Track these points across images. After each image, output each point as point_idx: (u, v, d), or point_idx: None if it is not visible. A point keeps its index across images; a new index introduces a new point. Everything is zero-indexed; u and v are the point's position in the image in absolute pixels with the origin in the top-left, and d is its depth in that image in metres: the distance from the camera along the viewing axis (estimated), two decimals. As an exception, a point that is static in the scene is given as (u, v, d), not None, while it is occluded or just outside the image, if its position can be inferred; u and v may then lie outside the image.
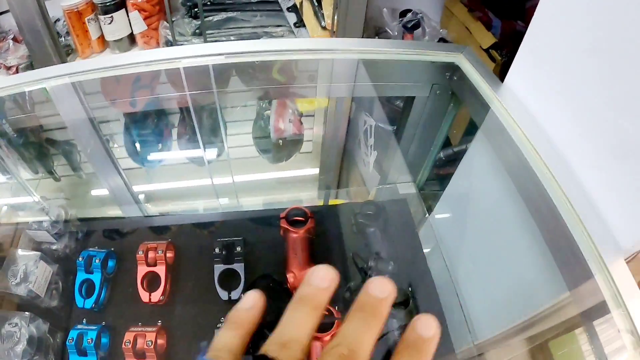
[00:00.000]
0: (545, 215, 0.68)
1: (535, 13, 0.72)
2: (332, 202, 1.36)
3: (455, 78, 0.92)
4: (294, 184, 1.77)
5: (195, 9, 1.35)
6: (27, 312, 0.90)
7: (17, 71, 1.29)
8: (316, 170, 1.71)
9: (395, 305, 0.91)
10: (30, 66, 1.29)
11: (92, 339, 0.87)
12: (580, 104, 0.65)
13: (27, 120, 1.17)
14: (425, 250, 1.05)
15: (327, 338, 0.86)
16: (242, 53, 0.96)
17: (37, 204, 1.02)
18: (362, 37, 1.38)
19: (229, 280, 0.93)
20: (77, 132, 1.28)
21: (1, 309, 0.96)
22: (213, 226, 1.06)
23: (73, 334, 0.88)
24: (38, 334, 0.90)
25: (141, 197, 1.47)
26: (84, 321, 0.92)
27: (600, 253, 0.60)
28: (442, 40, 1.36)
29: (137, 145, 1.57)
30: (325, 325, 0.86)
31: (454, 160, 1.11)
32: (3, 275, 0.94)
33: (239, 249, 0.93)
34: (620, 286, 0.57)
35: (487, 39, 1.24)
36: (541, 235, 0.72)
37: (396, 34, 1.32)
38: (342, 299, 0.91)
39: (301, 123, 1.67)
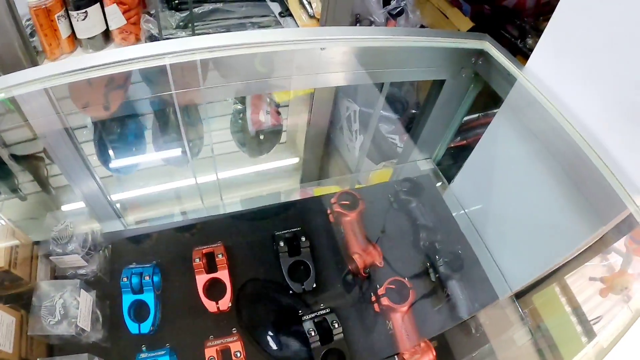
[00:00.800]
0: (578, 165, 0.80)
1: (557, 7, 0.83)
2: (316, 191, 1.39)
3: (480, 62, 1.01)
4: (277, 176, 1.75)
5: (176, 1, 1.27)
6: (85, 354, 0.78)
7: (-25, 79, 1.08)
8: (296, 160, 1.72)
9: (454, 268, 0.99)
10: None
11: (166, 366, 0.79)
12: (598, 85, 0.77)
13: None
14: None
15: (405, 309, 0.91)
16: (241, 45, 0.93)
17: (55, 221, 0.89)
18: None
19: (298, 272, 0.91)
20: (50, 142, 1.13)
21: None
22: (258, 220, 1.02)
23: (139, 366, 0.79)
24: (97, 377, 0.80)
25: (117, 206, 1.35)
26: (144, 348, 0.83)
27: (627, 191, 0.73)
28: (422, 26, 1.45)
29: (111, 152, 1.43)
30: (401, 297, 0.91)
31: (472, 135, 1.22)
32: (33, 315, 0.81)
33: (303, 239, 0.92)
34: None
35: (465, 24, 1.36)
36: (571, 182, 0.84)
37: (382, 21, 1.38)
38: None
39: (279, 114, 1.66)
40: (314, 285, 0.90)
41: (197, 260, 0.88)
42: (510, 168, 1.03)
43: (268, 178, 1.74)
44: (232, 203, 1.41)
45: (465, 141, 1.39)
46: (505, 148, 1.03)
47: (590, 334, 0.92)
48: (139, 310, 0.88)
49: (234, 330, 0.85)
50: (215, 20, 1.29)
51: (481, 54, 0.99)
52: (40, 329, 0.80)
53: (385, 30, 1.02)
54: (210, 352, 0.80)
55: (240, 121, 1.61)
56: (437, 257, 0.97)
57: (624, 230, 0.81)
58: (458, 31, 1.23)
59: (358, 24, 1.47)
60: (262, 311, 0.89)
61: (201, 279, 0.88)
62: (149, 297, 0.87)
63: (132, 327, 0.85)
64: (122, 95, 1.06)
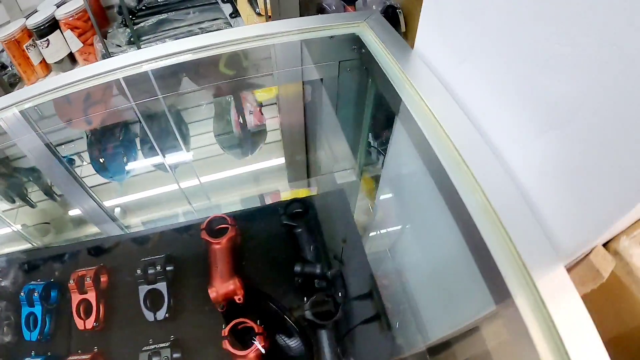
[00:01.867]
0: (461, 215, 0.56)
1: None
2: (284, 195, 1.30)
3: (363, 51, 0.81)
4: (264, 176, 1.71)
5: (129, 16, 1.31)
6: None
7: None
8: (282, 160, 1.65)
9: (329, 314, 0.84)
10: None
11: (35, 372, 0.88)
12: (494, 61, 0.54)
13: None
14: (371, 244, 0.97)
15: (252, 355, 0.81)
16: (171, 55, 0.92)
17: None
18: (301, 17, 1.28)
19: (153, 300, 0.90)
20: (38, 159, 1.30)
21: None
22: (142, 244, 1.03)
23: (19, 367, 0.90)
24: (-9, 372, 0.93)
25: (117, 210, 1.48)
26: (32, 353, 0.94)
27: (525, 263, 0.47)
28: (391, 7, 1.21)
29: (103, 160, 1.57)
30: (246, 343, 0.81)
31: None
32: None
33: (158, 267, 0.90)
34: (552, 312, 0.44)
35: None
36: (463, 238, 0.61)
37: (334, 8, 1.20)
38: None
39: (262, 113, 1.61)
40: (166, 315, 0.87)
41: (72, 281, 0.94)
42: (409, 197, 0.82)
43: (256, 179, 1.72)
44: (220, 205, 1.45)
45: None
46: (403, 171, 0.82)
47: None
48: (34, 321, 0.98)
49: (95, 349, 0.90)
50: (163, 31, 1.30)
51: (360, 40, 0.79)
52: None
53: (244, 29, 0.90)
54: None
55: (223, 123, 1.62)
56: (306, 299, 0.84)
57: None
58: (342, 12, 0.99)
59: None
60: (121, 334, 0.92)
61: (74, 298, 0.94)
62: (38, 311, 0.97)
63: (26, 334, 0.97)
64: (101, 108, 1.15)
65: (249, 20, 1.28)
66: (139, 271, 0.90)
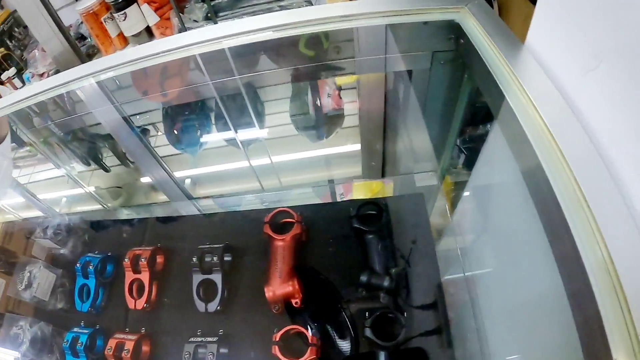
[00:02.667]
0: (571, 269, 0.44)
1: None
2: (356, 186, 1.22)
3: (462, 41, 0.70)
4: (338, 162, 1.63)
5: (208, -8, 1.27)
6: (29, 317, 0.93)
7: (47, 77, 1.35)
8: (359, 146, 1.55)
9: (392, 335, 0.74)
10: (59, 72, 1.34)
11: (82, 343, 0.88)
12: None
13: (71, 120, 1.22)
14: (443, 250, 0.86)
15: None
16: (249, 32, 0.86)
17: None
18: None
19: (207, 290, 0.85)
20: (113, 128, 1.31)
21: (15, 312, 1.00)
22: (202, 229, 0.98)
23: (68, 336, 0.89)
24: (42, 336, 0.94)
25: (187, 181, 1.48)
26: (82, 324, 0.93)
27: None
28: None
29: (176, 132, 1.56)
30: (296, 351, 0.74)
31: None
32: (13, 282, 1.00)
33: (215, 258, 0.84)
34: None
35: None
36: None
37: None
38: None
39: (340, 97, 1.53)
40: (218, 308, 0.83)
41: (127, 260, 0.92)
42: (501, 214, 0.70)
43: (329, 164, 1.64)
44: (291, 187, 1.40)
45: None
46: (494, 185, 0.71)
47: None
48: (87, 292, 0.97)
49: (143, 330, 0.87)
50: (242, 7, 1.25)
51: (459, 28, 0.68)
52: (14, 292, 0.99)
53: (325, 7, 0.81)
54: (111, 342, 0.85)
55: (300, 104, 1.55)
56: (368, 314, 0.74)
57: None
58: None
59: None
60: (171, 319, 0.89)
61: (128, 276, 0.92)
62: (92, 283, 0.96)
63: (78, 304, 0.97)
64: (177, 81, 1.15)
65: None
66: (194, 259, 0.85)
